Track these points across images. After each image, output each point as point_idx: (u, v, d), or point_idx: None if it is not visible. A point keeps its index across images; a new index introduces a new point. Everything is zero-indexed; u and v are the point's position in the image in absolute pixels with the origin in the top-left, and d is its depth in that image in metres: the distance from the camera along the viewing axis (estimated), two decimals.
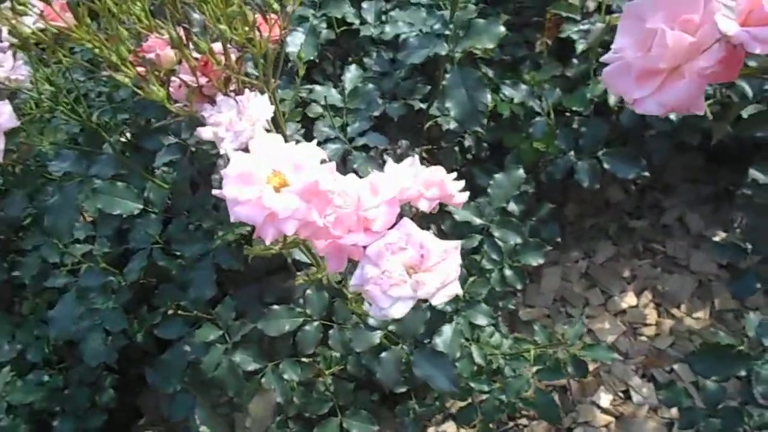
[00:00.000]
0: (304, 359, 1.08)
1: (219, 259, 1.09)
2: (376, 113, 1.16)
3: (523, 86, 1.14)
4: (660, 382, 1.35)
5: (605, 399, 1.36)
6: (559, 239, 1.32)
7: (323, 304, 1.04)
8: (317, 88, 1.13)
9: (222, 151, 0.70)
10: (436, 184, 0.62)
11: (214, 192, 0.56)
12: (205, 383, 1.14)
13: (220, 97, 0.72)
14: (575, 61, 1.22)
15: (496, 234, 1.03)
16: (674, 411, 1.31)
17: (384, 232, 0.55)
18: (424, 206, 0.62)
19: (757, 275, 1.22)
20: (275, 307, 1.04)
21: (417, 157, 0.67)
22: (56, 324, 1.11)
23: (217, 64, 0.67)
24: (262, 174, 0.55)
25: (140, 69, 0.73)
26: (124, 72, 0.68)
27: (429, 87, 1.22)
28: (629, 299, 1.47)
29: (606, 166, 1.15)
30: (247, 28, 0.66)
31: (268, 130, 0.73)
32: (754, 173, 1.21)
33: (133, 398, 1.51)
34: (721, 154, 1.50)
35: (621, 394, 1.37)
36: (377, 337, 0.90)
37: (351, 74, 1.17)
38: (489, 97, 0.92)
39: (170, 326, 1.18)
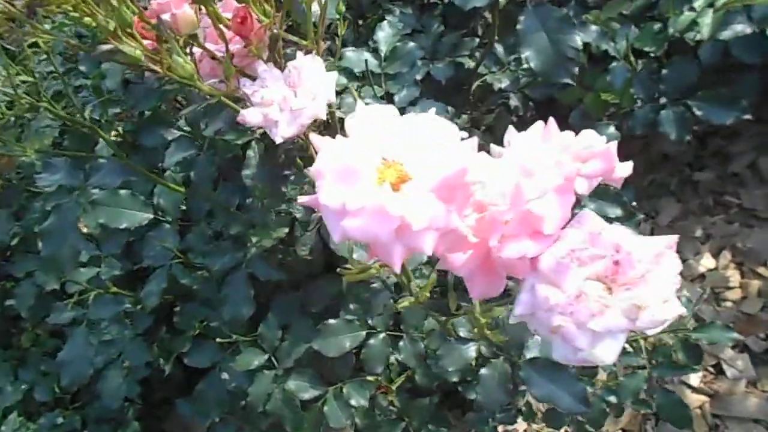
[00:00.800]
0: (369, 377, 0.91)
1: (254, 269, 0.91)
2: (419, 76, 0.97)
3: (593, 27, 0.95)
4: (756, 351, 1.20)
5: (695, 377, 1.21)
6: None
7: (388, 310, 0.87)
8: (347, 53, 0.93)
9: (278, 139, 0.51)
10: (597, 155, 0.44)
11: (301, 201, 0.38)
12: (251, 411, 0.97)
13: (262, 68, 0.53)
14: None
15: (591, 206, 0.85)
16: None
17: (558, 233, 0.38)
18: (582, 188, 0.45)
19: None
20: (331, 321, 0.87)
21: (546, 123, 0.49)
22: (69, 369, 0.94)
23: (265, 16, 0.47)
24: (371, 166, 0.37)
25: (147, 42, 0.53)
26: (130, 43, 0.48)
27: (476, 40, 1.02)
28: (706, 261, 1.31)
29: (698, 112, 0.97)
30: None
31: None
32: None
33: (158, 422, 1.35)
34: None
35: (712, 369, 1.22)
36: (472, 350, 0.73)
37: (384, 33, 0.97)
38: (579, 39, 0.74)
39: (201, 352, 1.00)
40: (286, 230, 0.89)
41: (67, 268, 0.85)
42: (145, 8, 0.58)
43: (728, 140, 1.42)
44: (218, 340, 0.91)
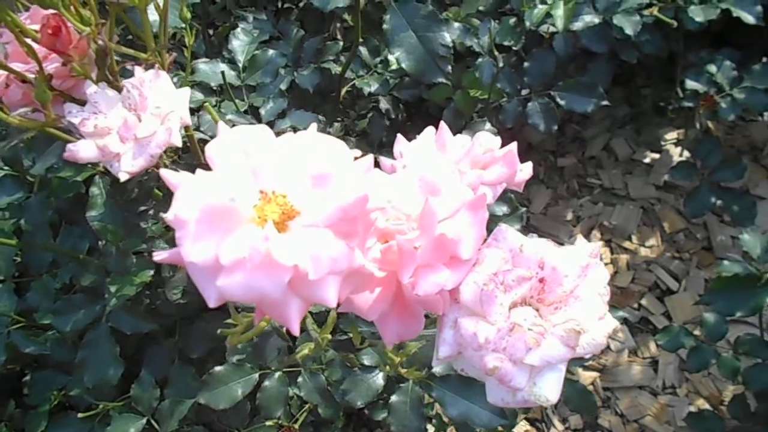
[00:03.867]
0: (268, 422, 0.82)
1: (118, 323, 0.78)
2: (283, 86, 0.89)
3: (455, 24, 0.93)
4: (632, 321, 1.28)
5: None
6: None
7: (276, 351, 0.78)
8: (200, 66, 0.83)
9: (122, 175, 0.41)
10: (498, 159, 0.40)
11: (158, 257, 0.29)
12: None
13: (92, 89, 0.42)
14: None
15: None
16: (654, 348, 1.25)
17: (475, 256, 0.33)
18: (487, 198, 0.40)
19: (710, 189, 1.17)
20: (218, 368, 0.76)
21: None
22: None
23: (82, 24, 0.37)
24: (247, 203, 0.29)
25: None
26: None
27: (340, 44, 0.97)
28: (580, 243, 1.38)
29: (561, 102, 0.99)
30: None
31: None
32: (691, 83, 1.14)
33: None
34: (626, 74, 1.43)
35: None
36: (380, 378, 0.67)
37: (240, 41, 0.88)
38: (448, 36, 0.71)
39: (62, 428, 0.85)
40: (151, 273, 0.77)
41: None
42: None
43: (582, 126, 1.51)
44: (80, 414, 0.77)
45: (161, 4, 0.46)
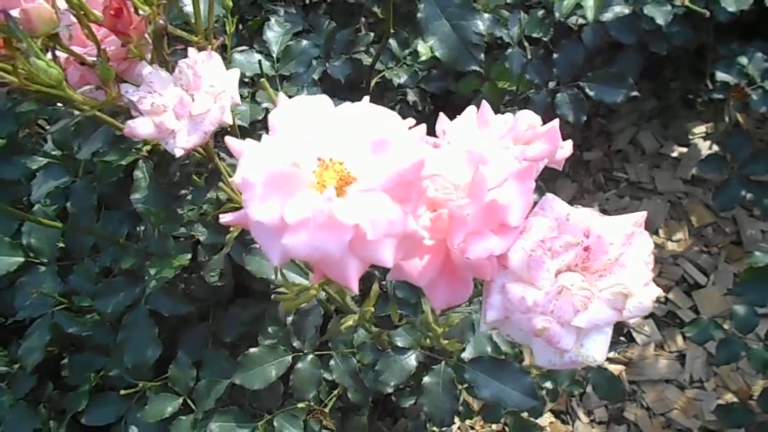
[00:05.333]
0: (299, 404, 0.84)
1: (156, 305, 0.80)
2: (316, 76, 0.91)
3: (485, 14, 0.94)
4: (659, 315, 1.27)
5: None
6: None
7: (314, 329, 0.80)
8: (236, 56, 0.85)
9: (177, 151, 0.43)
10: (541, 135, 0.41)
11: (224, 219, 0.31)
12: None
13: (147, 69, 0.44)
14: None
15: None
16: (681, 342, 1.24)
17: (523, 224, 0.34)
18: None
19: (740, 183, 1.16)
20: (252, 350, 0.78)
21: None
22: None
23: (146, 4, 0.39)
24: (307, 169, 0.31)
25: None
26: None
27: (371, 36, 0.99)
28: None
29: (590, 93, 1.00)
30: None
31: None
32: (721, 75, 1.13)
33: None
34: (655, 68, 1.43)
35: (623, 338, 1.28)
36: (412, 359, 0.68)
37: (274, 33, 0.90)
38: (481, 24, 0.72)
39: (102, 408, 0.88)
40: (189, 256, 0.79)
41: None
42: None
43: (609, 119, 1.50)
44: (122, 392, 0.80)
45: None
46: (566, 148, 0.43)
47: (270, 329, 0.86)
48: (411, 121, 0.32)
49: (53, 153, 0.76)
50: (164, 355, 0.85)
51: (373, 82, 1.04)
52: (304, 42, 0.89)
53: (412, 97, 1.14)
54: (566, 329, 0.31)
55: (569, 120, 1.01)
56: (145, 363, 0.81)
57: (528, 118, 0.42)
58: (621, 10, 0.97)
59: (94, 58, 0.46)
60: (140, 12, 0.42)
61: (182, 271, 0.79)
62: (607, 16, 0.97)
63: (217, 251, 0.77)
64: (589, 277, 0.33)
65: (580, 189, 1.44)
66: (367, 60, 0.98)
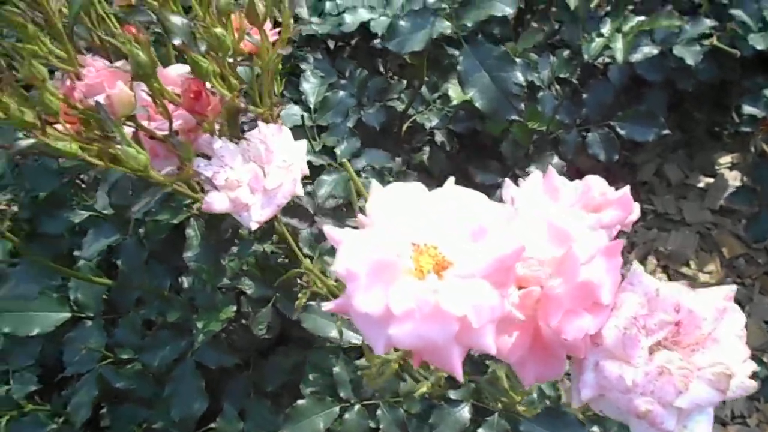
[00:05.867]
0: None
1: (203, 357, 0.81)
2: (350, 124, 0.93)
3: (517, 60, 0.96)
4: None
5: None
6: None
7: (356, 377, 0.80)
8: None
9: (253, 225, 0.44)
10: (613, 202, 0.42)
11: (327, 307, 0.32)
12: None
13: (218, 144, 0.46)
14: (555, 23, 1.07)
15: None
16: None
17: (612, 302, 0.34)
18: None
19: None
20: (300, 402, 0.78)
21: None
22: None
23: (229, 91, 0.41)
24: (405, 256, 0.31)
25: (70, 125, 0.45)
26: (60, 134, 0.40)
27: (404, 83, 1.00)
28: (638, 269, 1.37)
29: (621, 132, 1.01)
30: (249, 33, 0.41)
31: None
32: (748, 108, 1.14)
33: None
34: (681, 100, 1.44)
35: None
36: (466, 411, 0.68)
37: (310, 84, 0.92)
38: (520, 75, 0.74)
39: None
40: (234, 308, 0.80)
41: None
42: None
43: (633, 151, 1.51)
44: None
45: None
46: (635, 212, 0.44)
47: (311, 377, 0.86)
48: (498, 204, 0.33)
49: (104, 211, 0.77)
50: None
51: (405, 127, 1.05)
52: (341, 93, 0.90)
53: (439, 137, 1.16)
54: (668, 410, 0.31)
55: (601, 159, 1.02)
56: (192, 416, 0.81)
57: (599, 185, 0.42)
58: (650, 50, 0.98)
59: (164, 132, 0.48)
60: (216, 93, 0.44)
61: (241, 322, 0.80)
62: (636, 57, 0.99)
63: (263, 303, 0.78)
64: (681, 352, 0.34)
65: None
66: (399, 106, 1.00)
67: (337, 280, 0.63)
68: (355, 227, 0.38)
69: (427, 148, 1.17)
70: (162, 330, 0.82)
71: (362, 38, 1.21)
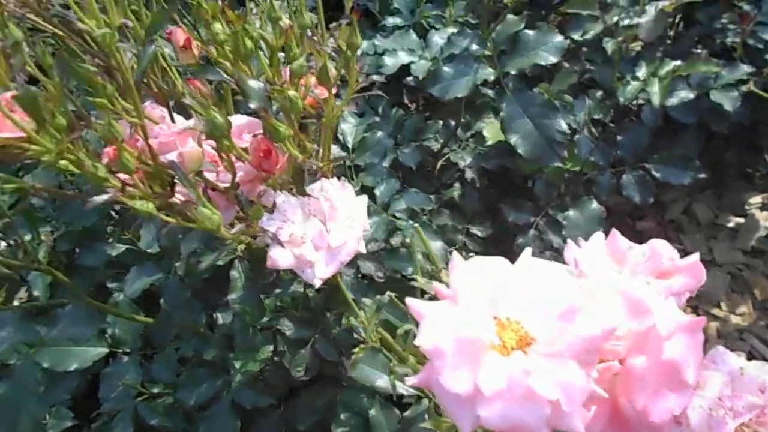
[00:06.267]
0: None
1: (239, 396, 0.80)
2: (386, 163, 0.93)
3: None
4: None
5: None
6: None
7: (395, 425, 0.79)
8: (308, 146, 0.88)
9: (316, 282, 0.44)
10: (681, 269, 0.41)
11: (411, 382, 0.32)
12: None
13: (281, 198, 0.46)
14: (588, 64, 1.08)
15: None
16: None
17: (695, 381, 0.34)
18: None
19: None
20: None
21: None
22: None
23: (302, 152, 0.41)
24: (490, 331, 0.31)
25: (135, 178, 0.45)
26: (141, 192, 0.40)
27: (440, 123, 1.01)
28: None
29: (656, 174, 1.00)
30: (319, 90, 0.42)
31: None
32: None
33: None
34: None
35: None
36: None
37: (349, 124, 0.93)
38: (563, 123, 0.74)
39: None
40: (271, 348, 0.80)
41: None
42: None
43: (661, 189, 1.50)
44: None
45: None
46: (703, 278, 0.43)
47: (342, 416, 0.85)
48: (576, 278, 0.33)
49: (148, 250, 0.78)
50: None
51: (438, 165, 1.06)
52: (379, 133, 0.91)
53: (470, 174, 1.16)
54: None
55: (636, 201, 1.02)
56: None
57: (667, 250, 0.42)
58: (686, 95, 0.99)
59: (226, 185, 0.48)
60: (284, 152, 0.44)
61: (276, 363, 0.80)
62: (672, 101, 0.99)
63: (301, 345, 0.78)
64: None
65: None
66: (434, 145, 1.01)
67: (390, 332, 0.62)
68: (425, 292, 0.38)
69: (457, 185, 1.17)
70: (198, 368, 0.82)
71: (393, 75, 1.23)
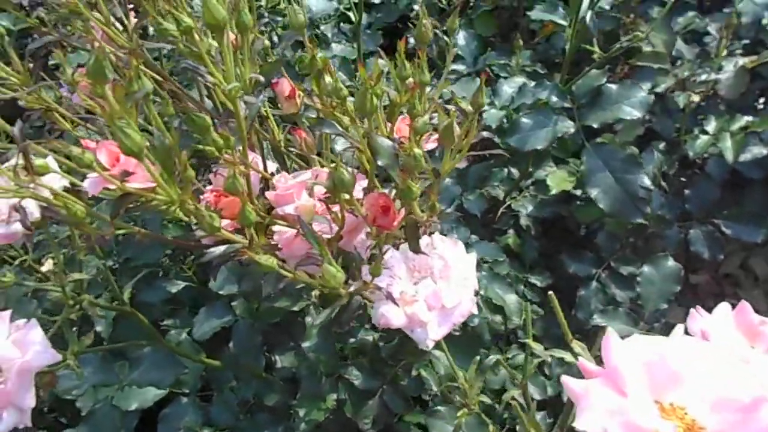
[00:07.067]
0: None
1: None
2: (452, 209, 0.92)
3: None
4: None
5: None
6: None
7: None
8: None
9: (428, 344, 0.43)
10: None
11: None
12: None
13: (390, 254, 0.45)
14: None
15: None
16: None
17: None
18: None
19: None
20: None
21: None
22: None
23: (431, 211, 0.41)
24: (653, 417, 0.29)
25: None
26: (258, 248, 0.40)
27: (506, 171, 1.00)
28: None
29: (726, 231, 0.98)
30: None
31: None
32: None
33: None
34: None
35: None
36: None
37: None
38: (647, 178, 0.73)
39: None
40: (335, 397, 0.78)
41: None
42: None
43: None
44: None
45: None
46: None
47: None
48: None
49: (220, 292, 0.77)
50: None
51: (499, 212, 1.05)
52: (447, 179, 0.90)
53: (524, 221, 1.14)
54: None
55: (705, 257, 0.99)
56: None
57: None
58: (759, 151, 0.97)
59: (328, 236, 0.48)
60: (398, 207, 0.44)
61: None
62: (745, 156, 0.97)
63: (368, 395, 0.75)
64: None
65: (687, 314, 1.39)
66: (497, 193, 1.00)
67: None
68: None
69: (511, 231, 1.16)
70: (259, 413, 0.81)
71: None
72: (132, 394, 0.79)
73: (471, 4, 1.37)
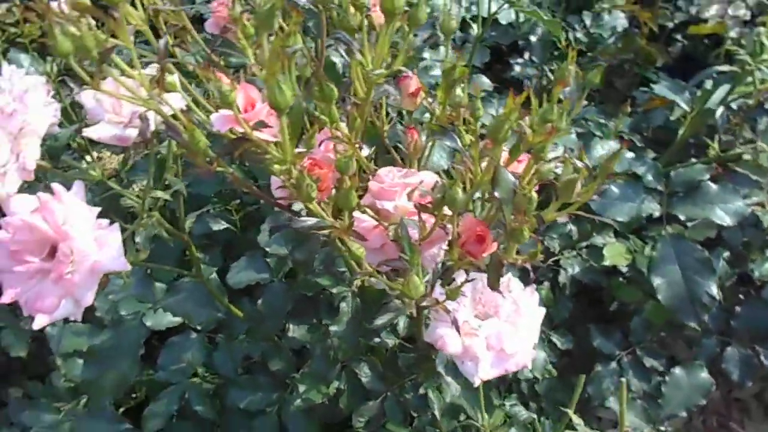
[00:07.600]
0: None
1: (289, 421, 0.78)
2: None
3: None
4: None
5: None
6: None
7: None
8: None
9: (476, 380, 0.42)
10: None
11: None
12: None
13: (460, 279, 0.45)
14: None
15: None
16: None
17: None
18: None
19: None
20: None
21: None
22: None
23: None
24: None
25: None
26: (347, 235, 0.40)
27: (566, 225, 0.99)
28: None
29: (765, 361, 0.95)
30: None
31: None
32: None
33: None
34: None
35: None
36: None
37: None
38: (715, 288, 0.71)
39: None
40: (337, 385, 0.78)
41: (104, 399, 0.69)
42: None
43: None
44: None
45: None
46: None
47: None
48: None
49: (267, 249, 0.77)
50: None
51: (547, 263, 1.03)
52: None
53: (563, 279, 1.13)
54: None
55: (733, 378, 0.97)
56: None
57: None
58: None
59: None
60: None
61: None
62: None
63: (371, 396, 0.75)
64: None
65: (688, 426, 1.36)
66: (552, 245, 0.98)
67: None
68: None
69: (546, 284, 1.14)
70: (260, 374, 0.81)
71: None
72: (157, 316, 0.79)
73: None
